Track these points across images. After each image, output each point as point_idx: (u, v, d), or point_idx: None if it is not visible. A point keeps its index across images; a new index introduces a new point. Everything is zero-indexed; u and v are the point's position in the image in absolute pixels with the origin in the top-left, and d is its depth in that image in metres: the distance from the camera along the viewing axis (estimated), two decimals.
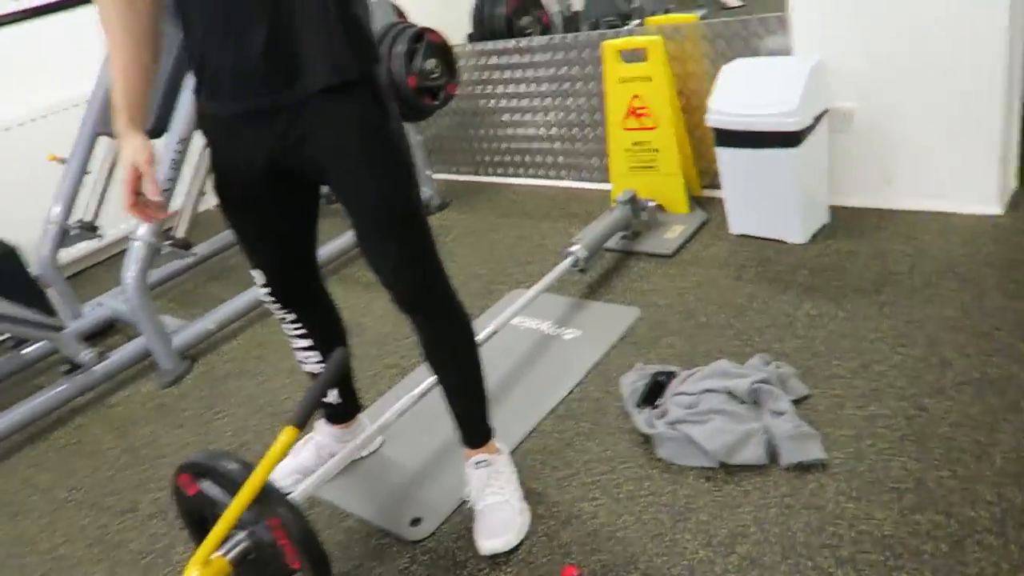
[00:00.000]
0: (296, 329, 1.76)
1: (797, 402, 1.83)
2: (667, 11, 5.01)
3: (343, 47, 1.35)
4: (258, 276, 1.65)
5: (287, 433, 1.28)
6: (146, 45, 1.38)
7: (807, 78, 2.34)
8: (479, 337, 1.76)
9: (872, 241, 2.44)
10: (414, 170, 1.50)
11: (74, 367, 2.52)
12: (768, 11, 2.62)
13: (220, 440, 2.25)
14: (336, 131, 1.39)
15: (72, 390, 2.50)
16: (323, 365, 1.80)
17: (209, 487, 1.45)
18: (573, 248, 2.51)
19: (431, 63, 2.93)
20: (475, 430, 1.74)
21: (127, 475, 2.20)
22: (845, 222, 2.58)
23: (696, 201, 2.93)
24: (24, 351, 2.72)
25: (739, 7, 5.31)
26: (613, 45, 2.81)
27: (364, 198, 1.45)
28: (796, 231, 2.52)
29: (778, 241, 2.56)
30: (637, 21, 4.60)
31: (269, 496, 1.37)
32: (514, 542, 1.64)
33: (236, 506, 1.34)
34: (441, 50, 2.99)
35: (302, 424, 1.30)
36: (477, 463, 1.72)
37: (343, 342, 1.83)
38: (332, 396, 1.89)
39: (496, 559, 1.63)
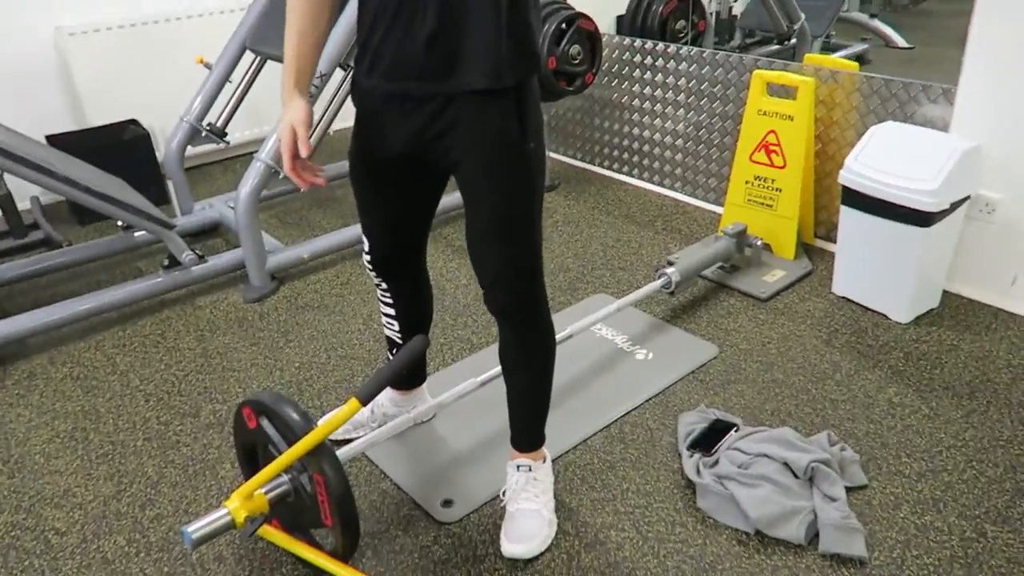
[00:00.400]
0: (386, 297, 1.80)
1: (852, 490, 1.79)
2: (828, 39, 4.80)
3: (506, 53, 1.33)
4: (366, 242, 1.70)
5: (351, 405, 1.33)
6: (324, 17, 1.43)
7: (957, 160, 2.21)
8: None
9: (978, 340, 2.32)
10: (541, 187, 1.49)
11: (174, 262, 2.65)
12: (935, 76, 2.48)
13: (286, 369, 2.34)
14: (475, 134, 1.40)
15: (167, 283, 2.64)
16: (400, 336, 1.84)
17: (268, 426, 1.53)
18: (668, 270, 2.47)
19: (575, 49, 2.91)
20: (527, 435, 1.75)
21: (196, 379, 2.31)
22: (955, 312, 2.46)
23: (805, 249, 2.84)
24: (135, 234, 2.87)
25: (906, 48, 5.04)
26: (763, 76, 2.71)
27: (483, 204, 1.46)
28: (902, 309, 2.42)
29: (880, 314, 2.46)
30: (793, 42, 4.44)
31: (321, 453, 1.43)
32: (536, 552, 1.67)
33: (288, 455, 1.41)
34: (589, 38, 2.95)
35: (367, 401, 1.34)
36: (519, 466, 1.74)
37: (426, 328, 1.87)
38: None
39: (515, 563, 1.66)
